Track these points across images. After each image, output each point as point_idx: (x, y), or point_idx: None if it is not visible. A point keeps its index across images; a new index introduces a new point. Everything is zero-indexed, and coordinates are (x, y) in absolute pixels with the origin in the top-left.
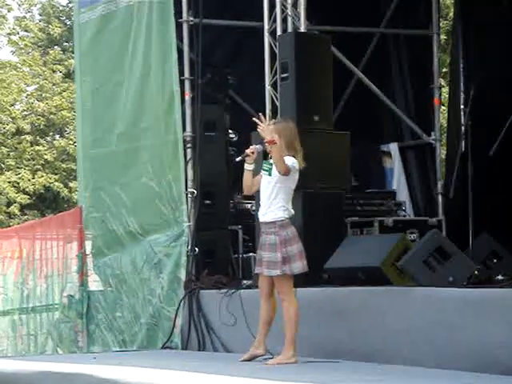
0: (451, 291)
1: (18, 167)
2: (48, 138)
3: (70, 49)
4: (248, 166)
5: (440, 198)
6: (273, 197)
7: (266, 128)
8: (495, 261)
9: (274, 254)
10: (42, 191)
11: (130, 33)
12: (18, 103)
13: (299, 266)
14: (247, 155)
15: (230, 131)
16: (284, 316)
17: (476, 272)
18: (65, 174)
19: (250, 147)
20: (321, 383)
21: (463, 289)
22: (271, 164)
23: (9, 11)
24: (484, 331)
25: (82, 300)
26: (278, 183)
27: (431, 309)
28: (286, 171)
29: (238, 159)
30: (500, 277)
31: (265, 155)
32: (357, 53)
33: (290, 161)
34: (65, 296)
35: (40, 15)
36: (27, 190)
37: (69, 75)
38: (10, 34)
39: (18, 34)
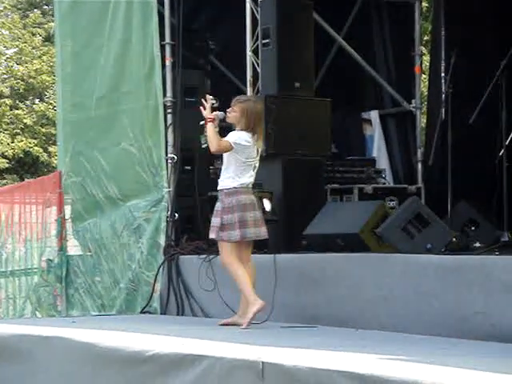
0: (429, 258)
1: None
2: (27, 102)
3: (50, 12)
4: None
5: (419, 165)
6: (224, 167)
7: (208, 107)
8: (473, 228)
9: (214, 219)
10: (22, 155)
11: None
12: None
13: (236, 234)
14: (210, 120)
15: (210, 97)
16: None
17: (454, 239)
18: (44, 138)
19: (213, 112)
20: (303, 348)
21: (441, 256)
22: (205, 137)
23: None
24: (461, 298)
25: (61, 264)
26: (228, 155)
27: (409, 275)
28: (216, 151)
29: (201, 123)
30: (477, 244)
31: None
32: (339, 19)
33: (233, 137)
34: (43, 260)
35: None
36: (6, 154)
37: (49, 39)
38: None
39: None
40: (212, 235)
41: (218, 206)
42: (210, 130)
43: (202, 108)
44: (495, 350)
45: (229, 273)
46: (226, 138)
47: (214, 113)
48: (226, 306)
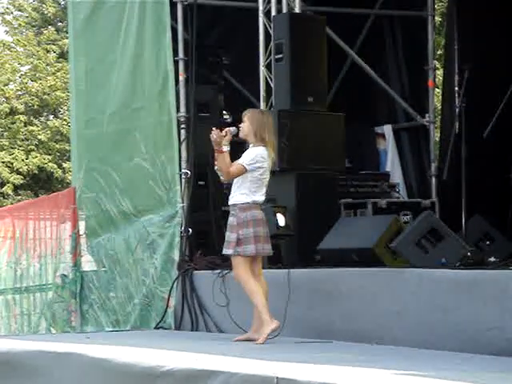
0: (444, 273)
1: (12, 147)
2: (42, 119)
3: (64, 29)
4: (223, 148)
5: (433, 179)
6: (238, 184)
7: (219, 137)
8: (488, 243)
9: (229, 234)
10: (36, 172)
11: (123, 12)
12: (11, 83)
13: (252, 249)
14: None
15: (223, 112)
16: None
17: (468, 254)
18: (58, 154)
19: (225, 129)
20: (316, 363)
21: (455, 270)
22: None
23: None
24: (476, 313)
25: (76, 280)
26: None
27: (423, 290)
28: (229, 180)
29: (213, 139)
30: (492, 259)
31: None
32: (351, 34)
33: (248, 158)
34: (58, 276)
35: None
36: (21, 170)
37: (63, 55)
38: (3, 13)
39: (12, 13)
40: (228, 251)
41: (233, 220)
42: (220, 160)
43: (214, 134)
44: (510, 365)
45: (244, 289)
46: (240, 161)
47: (227, 128)
48: (240, 320)
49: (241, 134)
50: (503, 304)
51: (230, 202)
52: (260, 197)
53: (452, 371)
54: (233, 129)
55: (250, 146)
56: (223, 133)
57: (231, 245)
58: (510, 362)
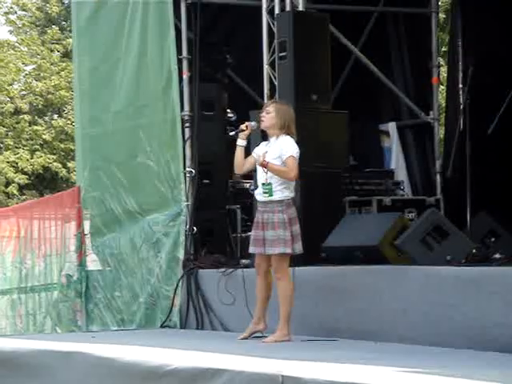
0: (449, 270)
1: (17, 147)
2: (46, 118)
3: (68, 28)
4: (240, 142)
5: (438, 177)
6: (278, 178)
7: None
8: (493, 239)
9: (283, 232)
10: (41, 171)
11: (127, 11)
12: (16, 83)
13: (300, 246)
14: (241, 130)
15: (228, 110)
16: (279, 295)
17: (474, 251)
18: (63, 153)
19: (245, 123)
20: (321, 361)
21: (461, 267)
22: (269, 184)
23: None
24: (481, 310)
25: (81, 279)
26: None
27: (429, 287)
28: (295, 176)
29: (231, 133)
30: (498, 255)
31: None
32: (355, 32)
33: (293, 148)
34: (63, 275)
35: None
36: (26, 170)
37: (67, 54)
38: (7, 13)
39: (16, 13)
40: (283, 249)
41: (280, 217)
42: (275, 171)
43: (243, 129)
44: None
45: (282, 289)
46: (288, 154)
47: (247, 123)
48: (246, 319)
49: (263, 125)
50: (508, 300)
51: (267, 198)
52: (294, 190)
53: (458, 368)
54: (254, 123)
55: (273, 138)
56: (243, 127)
57: (287, 243)
58: None
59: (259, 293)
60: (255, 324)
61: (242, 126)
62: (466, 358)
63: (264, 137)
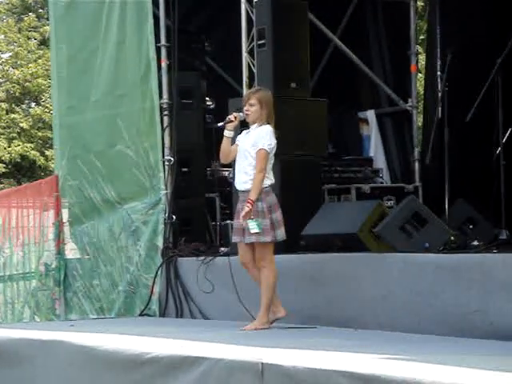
0: (428, 257)
1: None
2: (23, 106)
3: (45, 15)
4: (227, 133)
5: (417, 164)
6: (253, 165)
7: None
8: (471, 227)
9: (261, 221)
10: (18, 160)
11: None
12: None
13: (283, 232)
14: (230, 121)
15: (206, 98)
16: (262, 282)
17: (452, 238)
18: (41, 142)
19: (234, 113)
20: (302, 348)
21: (439, 254)
22: (257, 220)
23: None
24: (460, 297)
25: (59, 268)
26: (255, 153)
27: (407, 274)
28: (261, 169)
29: (219, 124)
30: (475, 242)
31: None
32: (334, 19)
33: (267, 142)
34: (41, 264)
35: None
36: (3, 158)
37: (44, 42)
38: None
39: None
40: (264, 238)
41: (259, 206)
42: (256, 193)
43: (231, 120)
44: (494, 349)
45: (266, 277)
46: (260, 146)
47: (235, 113)
48: (224, 307)
49: (249, 120)
50: (487, 288)
51: (245, 187)
52: (272, 179)
53: (436, 355)
54: (241, 114)
55: (255, 125)
56: (232, 117)
57: (266, 231)
58: (495, 345)
59: (259, 284)
60: (273, 313)
61: (231, 117)
62: (446, 344)
63: (244, 124)
